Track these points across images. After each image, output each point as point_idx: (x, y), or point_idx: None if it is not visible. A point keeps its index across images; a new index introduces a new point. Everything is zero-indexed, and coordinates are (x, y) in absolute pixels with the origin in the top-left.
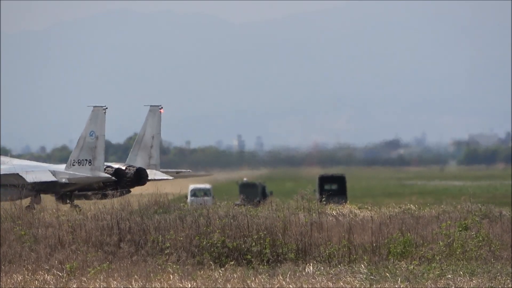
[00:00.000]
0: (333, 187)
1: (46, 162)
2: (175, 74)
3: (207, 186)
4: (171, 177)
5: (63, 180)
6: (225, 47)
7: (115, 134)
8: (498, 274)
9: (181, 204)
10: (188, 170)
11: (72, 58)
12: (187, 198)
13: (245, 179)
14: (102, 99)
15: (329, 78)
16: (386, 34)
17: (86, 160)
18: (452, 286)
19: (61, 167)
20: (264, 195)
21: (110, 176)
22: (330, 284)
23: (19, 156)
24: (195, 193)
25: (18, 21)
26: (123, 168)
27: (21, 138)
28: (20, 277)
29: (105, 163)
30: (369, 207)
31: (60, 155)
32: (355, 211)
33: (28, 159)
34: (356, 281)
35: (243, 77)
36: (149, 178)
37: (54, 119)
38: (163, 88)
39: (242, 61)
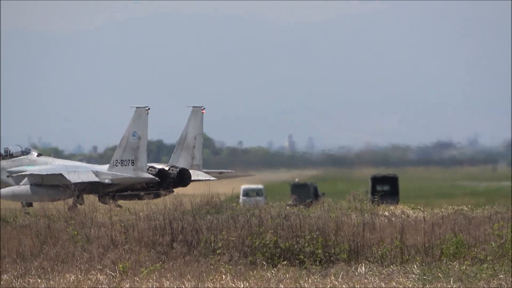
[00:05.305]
0: (385, 188)
1: (98, 162)
2: (227, 75)
3: (259, 186)
4: (213, 178)
5: (106, 181)
6: (274, 48)
7: (169, 134)
8: None
9: (234, 204)
10: (231, 171)
11: (125, 58)
12: (239, 198)
13: (297, 179)
14: (155, 100)
15: (381, 77)
16: (437, 35)
17: (129, 160)
18: (504, 286)
19: (104, 167)
20: (316, 195)
21: (153, 176)
22: (383, 285)
23: (71, 156)
24: (247, 193)
25: (69, 22)
26: (166, 168)
27: (73, 138)
28: (73, 277)
29: (148, 164)
30: (422, 208)
31: (112, 155)
32: (408, 211)
33: (80, 159)
34: (409, 282)
35: (294, 77)
36: (192, 178)
37: (107, 119)
38: (215, 88)
39: (292, 61)
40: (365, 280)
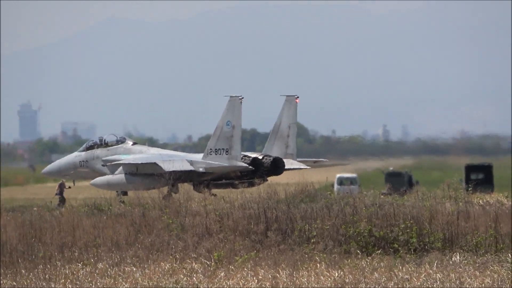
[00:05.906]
0: (480, 176)
1: (192, 151)
2: (321, 63)
3: (353, 175)
4: (307, 167)
5: (200, 169)
6: (368, 37)
7: (262, 123)
8: None
9: (328, 193)
10: (325, 160)
11: (218, 48)
12: (333, 187)
13: (391, 168)
14: (249, 89)
15: (474, 66)
16: None
17: (223, 149)
18: None
19: (198, 156)
20: (410, 184)
21: (247, 165)
22: (477, 273)
23: (165, 145)
24: (341, 181)
25: (164, 11)
26: (260, 157)
27: (168, 127)
28: (167, 266)
29: (242, 153)
30: None
31: (206, 144)
32: (502, 200)
33: (174, 148)
34: (503, 270)
35: (388, 66)
36: (285, 167)
37: (201, 108)
38: (309, 77)
39: (386, 50)
40: (460, 269)
